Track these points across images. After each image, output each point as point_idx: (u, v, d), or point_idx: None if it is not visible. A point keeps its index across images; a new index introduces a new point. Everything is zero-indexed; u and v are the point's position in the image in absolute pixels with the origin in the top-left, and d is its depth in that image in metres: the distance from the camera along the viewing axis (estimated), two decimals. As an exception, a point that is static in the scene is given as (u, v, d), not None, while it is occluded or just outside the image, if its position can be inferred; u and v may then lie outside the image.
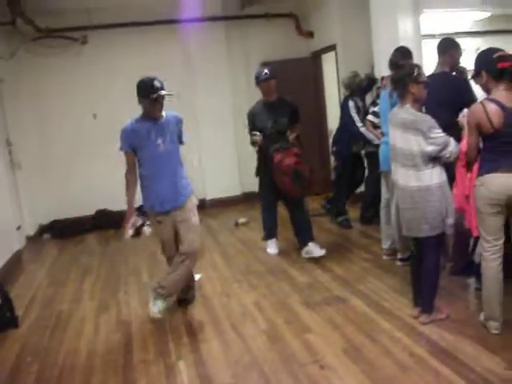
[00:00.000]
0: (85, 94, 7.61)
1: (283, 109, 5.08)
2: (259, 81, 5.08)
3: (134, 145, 3.74)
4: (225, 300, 4.23)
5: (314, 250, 5.03)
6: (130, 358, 3.40)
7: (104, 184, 7.63)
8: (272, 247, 5.37)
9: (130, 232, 3.80)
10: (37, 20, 6.76)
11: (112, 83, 7.64)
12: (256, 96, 8.13)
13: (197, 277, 4.44)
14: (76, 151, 7.67)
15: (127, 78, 7.61)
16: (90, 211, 7.59)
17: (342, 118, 6.00)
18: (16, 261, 6.03)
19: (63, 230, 7.31)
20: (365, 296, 3.98)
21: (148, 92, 3.64)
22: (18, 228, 6.68)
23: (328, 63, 7.85)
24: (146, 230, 3.87)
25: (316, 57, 7.96)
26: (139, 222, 3.83)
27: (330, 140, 6.55)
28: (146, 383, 3.08)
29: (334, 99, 7.66)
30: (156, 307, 3.79)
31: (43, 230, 7.49)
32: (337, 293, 4.12)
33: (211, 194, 8.07)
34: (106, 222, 7.48)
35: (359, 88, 5.86)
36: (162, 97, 3.68)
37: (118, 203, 7.56)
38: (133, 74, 7.53)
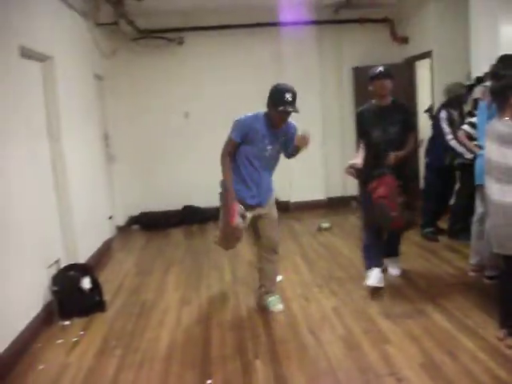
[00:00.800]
0: (178, 93, 7.90)
1: (396, 116, 4.30)
2: (371, 78, 4.33)
3: (244, 138, 3.84)
4: (304, 303, 4.25)
5: (392, 266, 4.76)
6: (207, 352, 3.49)
7: (192, 181, 7.91)
8: (374, 278, 4.38)
9: (239, 220, 3.80)
10: (137, 21, 7.10)
11: (204, 83, 7.90)
12: (346, 101, 8.16)
13: (278, 278, 4.48)
14: (167, 148, 7.98)
15: (219, 79, 7.93)
16: (177, 206, 7.87)
17: (434, 128, 5.84)
18: (106, 249, 6.37)
19: (151, 223, 7.63)
20: (447, 312, 3.85)
21: (277, 103, 3.69)
22: (110, 218, 7.04)
23: (422, 70, 7.66)
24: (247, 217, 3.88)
25: (410, 63, 7.78)
26: (242, 210, 3.84)
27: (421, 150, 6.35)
28: (222, 378, 3.15)
29: (423, 109, 7.47)
30: (272, 303, 4.09)
31: (132, 221, 7.85)
32: (418, 306, 4.01)
33: (295, 197, 8.11)
34: (192, 217, 7.72)
35: (457, 98, 5.63)
36: (289, 112, 3.72)
37: (204, 200, 7.84)
38: (225, 74, 7.88)
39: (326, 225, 6.75)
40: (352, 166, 4.24)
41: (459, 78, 5.97)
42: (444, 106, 5.66)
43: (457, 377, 2.95)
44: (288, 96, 3.63)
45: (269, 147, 3.85)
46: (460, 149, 5.24)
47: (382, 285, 4.34)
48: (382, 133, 4.26)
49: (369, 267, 4.42)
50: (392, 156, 4.15)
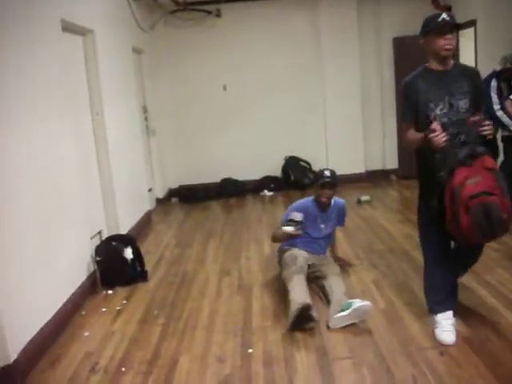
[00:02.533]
0: (216, 66, 7.88)
1: (463, 83, 3.04)
2: (429, 30, 3.06)
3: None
4: (344, 276, 4.23)
5: None
6: (248, 322, 3.53)
7: (230, 154, 7.95)
8: (447, 329, 3.08)
9: (292, 229, 3.83)
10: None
11: (242, 56, 7.85)
12: (386, 73, 7.97)
13: None
14: (205, 121, 8.01)
15: (257, 52, 7.87)
16: (215, 179, 7.91)
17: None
18: (147, 220, 6.47)
19: (190, 195, 7.70)
20: (492, 287, 3.78)
21: (318, 179, 4.13)
22: (150, 190, 7.13)
23: (465, 40, 7.41)
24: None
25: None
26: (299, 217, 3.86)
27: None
28: (263, 348, 3.18)
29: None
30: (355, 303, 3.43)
31: (172, 193, 7.95)
32: (462, 280, 3.93)
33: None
34: (231, 190, 7.77)
35: (510, 70, 5.30)
36: (328, 183, 4.01)
37: (242, 173, 7.88)
38: (262, 47, 7.81)
39: (365, 198, 6.69)
40: None
41: (504, 48, 5.74)
42: (496, 75, 5.40)
43: (502, 353, 2.90)
44: (326, 173, 4.06)
45: (322, 225, 4.15)
46: (506, 120, 5.07)
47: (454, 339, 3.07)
48: (450, 106, 3.00)
49: (436, 311, 3.19)
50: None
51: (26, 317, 3.17)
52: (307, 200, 4.23)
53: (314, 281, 3.96)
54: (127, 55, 6.33)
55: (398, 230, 5.37)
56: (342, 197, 7.01)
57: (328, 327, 3.35)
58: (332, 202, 4.14)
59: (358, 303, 3.33)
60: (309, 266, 3.93)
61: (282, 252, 4.12)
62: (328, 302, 3.64)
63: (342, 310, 3.36)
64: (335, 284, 3.73)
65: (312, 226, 4.10)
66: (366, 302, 3.35)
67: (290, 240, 4.03)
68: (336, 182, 4.06)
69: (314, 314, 3.36)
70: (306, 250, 4.03)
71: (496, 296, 3.62)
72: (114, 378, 2.96)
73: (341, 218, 4.33)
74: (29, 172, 3.37)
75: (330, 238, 4.31)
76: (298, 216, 3.83)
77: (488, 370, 2.73)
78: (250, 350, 3.15)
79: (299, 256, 3.90)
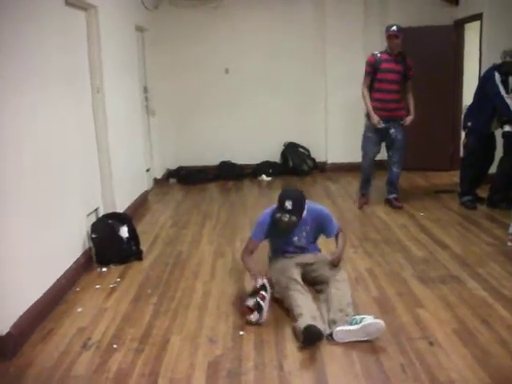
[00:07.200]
0: (219, 48, 7.84)
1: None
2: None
3: (268, 235, 3.70)
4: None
5: None
6: (241, 305, 3.51)
7: (230, 137, 7.96)
8: None
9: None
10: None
11: (246, 39, 7.82)
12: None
13: None
14: (206, 103, 7.98)
15: (260, 36, 7.81)
16: (214, 162, 7.91)
17: (480, 91, 5.60)
18: (144, 200, 6.47)
19: (188, 177, 7.70)
20: (483, 280, 3.81)
21: (277, 208, 3.54)
22: (148, 170, 7.13)
23: (471, 33, 7.38)
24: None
25: (459, 26, 7.46)
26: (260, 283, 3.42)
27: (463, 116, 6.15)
28: (255, 331, 3.18)
29: (469, 74, 7.25)
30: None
31: (170, 174, 7.95)
32: (453, 272, 3.98)
33: (332, 158, 8.06)
34: (229, 173, 7.78)
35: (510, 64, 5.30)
36: (283, 221, 3.50)
37: (241, 157, 7.88)
38: (266, 31, 7.76)
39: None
40: None
41: (510, 42, 5.72)
42: (497, 67, 5.38)
43: (491, 345, 2.93)
44: (287, 204, 3.45)
45: (295, 238, 3.71)
46: None
47: None
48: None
49: None
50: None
51: (20, 291, 3.18)
52: (269, 215, 3.63)
53: (314, 285, 3.65)
54: (130, 33, 6.28)
55: (394, 220, 5.39)
56: (339, 185, 7.13)
57: (327, 338, 3.02)
58: (304, 213, 3.57)
59: (369, 320, 2.97)
60: (304, 266, 3.67)
61: (270, 262, 3.86)
62: (327, 309, 3.29)
63: (350, 324, 3.02)
64: (339, 291, 3.36)
65: (282, 241, 3.74)
66: (379, 320, 2.98)
67: (274, 248, 3.85)
68: (294, 216, 3.49)
69: (321, 327, 3.04)
70: (294, 255, 3.73)
71: (487, 289, 3.65)
72: (106, 353, 2.98)
73: (324, 228, 3.74)
74: (27, 147, 3.35)
75: (315, 245, 3.89)
76: (259, 283, 3.39)
77: (476, 362, 2.76)
78: (242, 333, 3.17)
79: (289, 267, 3.56)
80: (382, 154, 6.08)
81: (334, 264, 3.61)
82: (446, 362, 2.78)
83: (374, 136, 5.80)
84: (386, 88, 5.63)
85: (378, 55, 5.65)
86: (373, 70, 5.64)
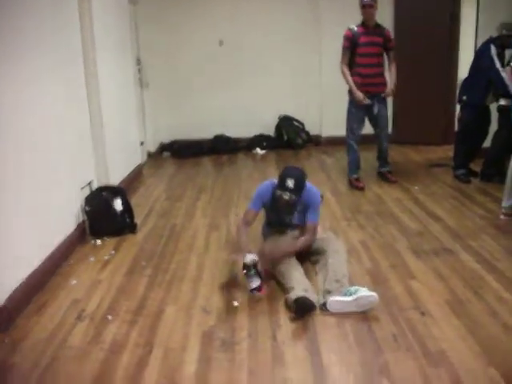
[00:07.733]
0: (213, 20, 7.75)
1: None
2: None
3: (264, 205, 3.70)
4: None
5: None
6: (234, 277, 3.56)
7: (224, 110, 7.89)
8: None
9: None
10: None
11: (240, 11, 7.73)
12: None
13: None
14: (200, 76, 7.89)
15: (255, 7, 7.69)
16: (208, 135, 7.86)
17: (475, 64, 5.57)
18: (138, 173, 6.45)
19: (182, 150, 7.67)
20: (476, 252, 3.83)
21: (278, 186, 3.51)
22: (141, 144, 7.09)
23: (468, 7, 7.28)
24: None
25: (455, -1, 7.37)
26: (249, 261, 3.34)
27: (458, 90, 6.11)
28: (248, 302, 3.21)
29: (465, 46, 7.19)
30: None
31: (164, 148, 7.91)
32: (446, 245, 4.00)
33: (327, 131, 8.02)
34: (223, 147, 7.75)
35: (507, 38, 5.24)
36: (284, 199, 3.48)
37: (235, 130, 7.83)
38: (260, 3, 7.63)
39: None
40: None
41: (506, 17, 5.68)
42: (492, 40, 5.34)
43: (481, 315, 2.96)
44: (289, 182, 3.43)
45: (287, 219, 3.69)
46: (509, 82, 5.04)
47: None
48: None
49: None
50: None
51: (14, 264, 3.17)
52: (270, 186, 3.64)
53: (309, 256, 3.66)
54: (122, 5, 6.17)
55: (387, 193, 5.40)
56: (334, 159, 7.11)
57: (321, 308, 3.06)
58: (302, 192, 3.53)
59: (364, 292, 3.00)
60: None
61: (264, 236, 3.87)
62: (324, 279, 3.30)
63: (345, 295, 3.04)
64: (335, 262, 3.36)
65: (276, 215, 3.75)
66: (373, 293, 3.01)
67: (268, 222, 3.85)
68: (294, 195, 3.47)
69: (314, 299, 3.06)
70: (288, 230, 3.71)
71: (480, 261, 3.68)
72: (100, 325, 3.00)
73: (307, 211, 3.58)
74: (20, 120, 3.32)
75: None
76: (249, 259, 3.31)
77: (468, 332, 2.79)
78: (236, 303, 3.19)
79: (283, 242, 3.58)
80: (368, 129, 6.00)
81: None
82: (438, 332, 2.81)
83: (358, 112, 5.65)
84: (367, 62, 5.45)
85: (355, 29, 5.43)
86: (351, 44, 5.43)
